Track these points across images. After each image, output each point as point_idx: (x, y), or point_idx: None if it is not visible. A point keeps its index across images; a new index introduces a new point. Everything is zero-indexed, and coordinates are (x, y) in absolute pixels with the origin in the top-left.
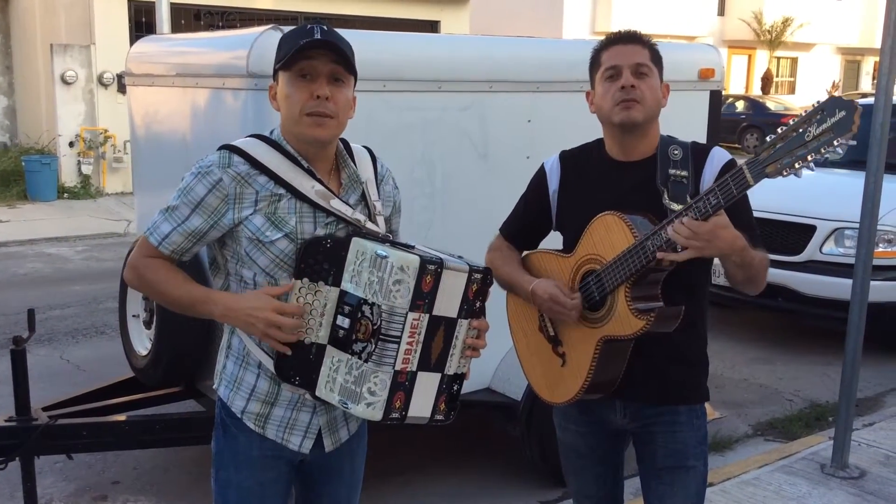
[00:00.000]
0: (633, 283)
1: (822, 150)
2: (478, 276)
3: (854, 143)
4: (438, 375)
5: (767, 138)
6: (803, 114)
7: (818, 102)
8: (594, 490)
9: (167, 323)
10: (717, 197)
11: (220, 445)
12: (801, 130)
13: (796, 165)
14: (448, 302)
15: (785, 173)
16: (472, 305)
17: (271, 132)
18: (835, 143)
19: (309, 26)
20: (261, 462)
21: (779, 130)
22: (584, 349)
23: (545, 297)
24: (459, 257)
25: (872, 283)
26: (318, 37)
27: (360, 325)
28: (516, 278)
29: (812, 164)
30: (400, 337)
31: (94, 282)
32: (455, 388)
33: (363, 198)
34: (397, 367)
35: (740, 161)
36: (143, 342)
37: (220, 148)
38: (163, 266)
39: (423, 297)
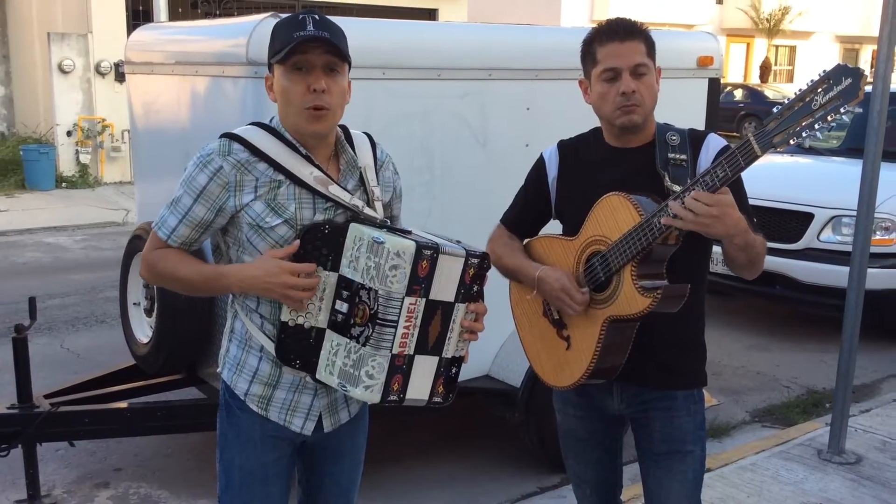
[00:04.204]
0: (639, 262)
1: (829, 118)
2: (474, 260)
3: (860, 110)
4: (436, 358)
5: (774, 109)
6: (810, 83)
7: (824, 71)
8: (593, 474)
9: (168, 310)
10: (725, 169)
11: (223, 427)
12: (807, 100)
13: (803, 134)
14: (445, 286)
15: (792, 142)
16: (470, 289)
17: (271, 119)
18: (841, 110)
19: (301, 16)
20: (263, 443)
21: (785, 101)
22: (590, 331)
23: (556, 286)
24: (458, 242)
25: (869, 270)
26: (311, 28)
27: (357, 309)
28: (521, 264)
29: (818, 133)
30: (397, 321)
31: (93, 271)
32: (453, 370)
33: (361, 183)
34: (394, 351)
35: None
36: (144, 330)
37: (221, 136)
38: (172, 253)
39: (420, 282)
